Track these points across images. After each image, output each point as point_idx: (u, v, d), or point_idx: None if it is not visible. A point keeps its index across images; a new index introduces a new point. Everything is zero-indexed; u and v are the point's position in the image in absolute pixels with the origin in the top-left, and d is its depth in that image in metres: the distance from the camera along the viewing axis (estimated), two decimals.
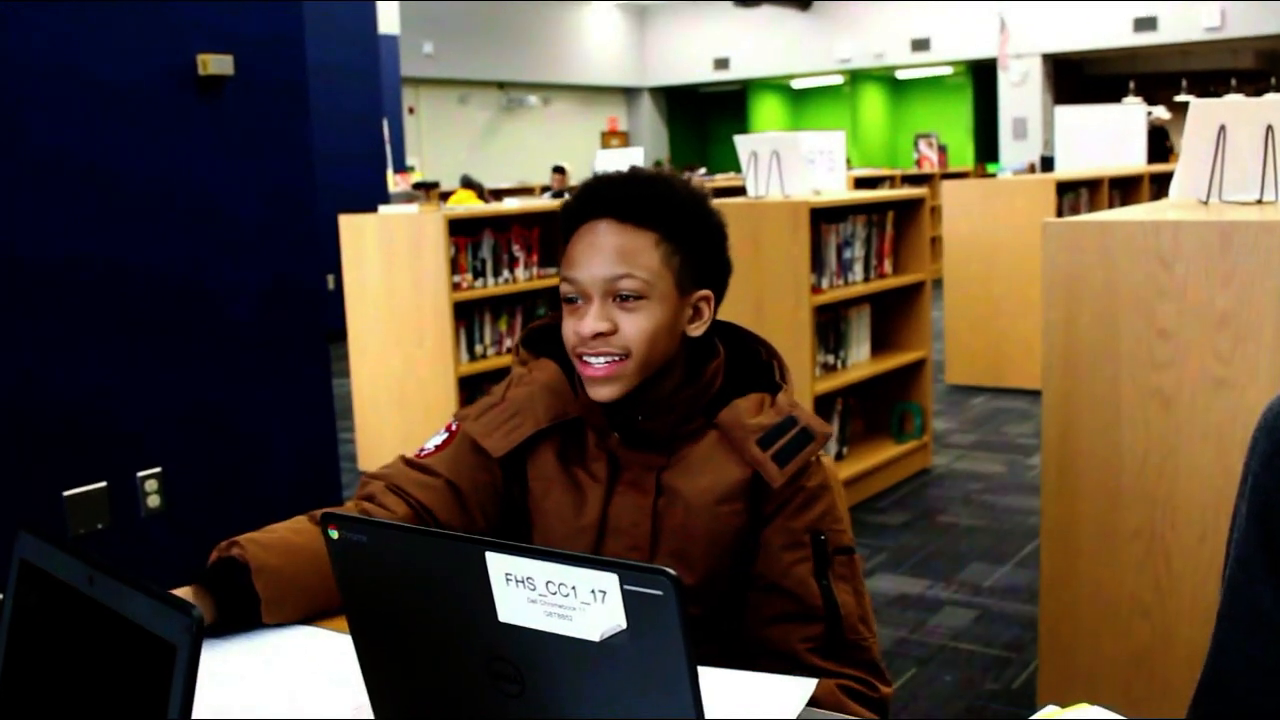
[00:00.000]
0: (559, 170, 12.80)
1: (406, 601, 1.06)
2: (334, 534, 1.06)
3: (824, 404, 5.05)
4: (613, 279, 1.51)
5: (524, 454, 1.63)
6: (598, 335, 1.50)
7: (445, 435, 1.68)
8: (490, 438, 1.61)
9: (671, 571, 0.87)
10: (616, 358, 1.51)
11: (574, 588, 0.92)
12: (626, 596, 0.89)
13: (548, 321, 1.70)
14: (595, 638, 0.92)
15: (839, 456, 5.20)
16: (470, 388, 5.73)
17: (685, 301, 1.57)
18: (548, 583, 0.93)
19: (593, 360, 1.52)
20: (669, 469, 1.57)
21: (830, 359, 5.13)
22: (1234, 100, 2.81)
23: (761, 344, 1.67)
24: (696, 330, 1.59)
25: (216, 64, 3.51)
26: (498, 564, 0.95)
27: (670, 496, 1.56)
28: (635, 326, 1.51)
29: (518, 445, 1.61)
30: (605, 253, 1.51)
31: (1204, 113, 2.82)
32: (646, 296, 1.52)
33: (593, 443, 1.61)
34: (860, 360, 5.33)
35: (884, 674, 1.59)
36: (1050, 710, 1.13)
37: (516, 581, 0.95)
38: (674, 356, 1.57)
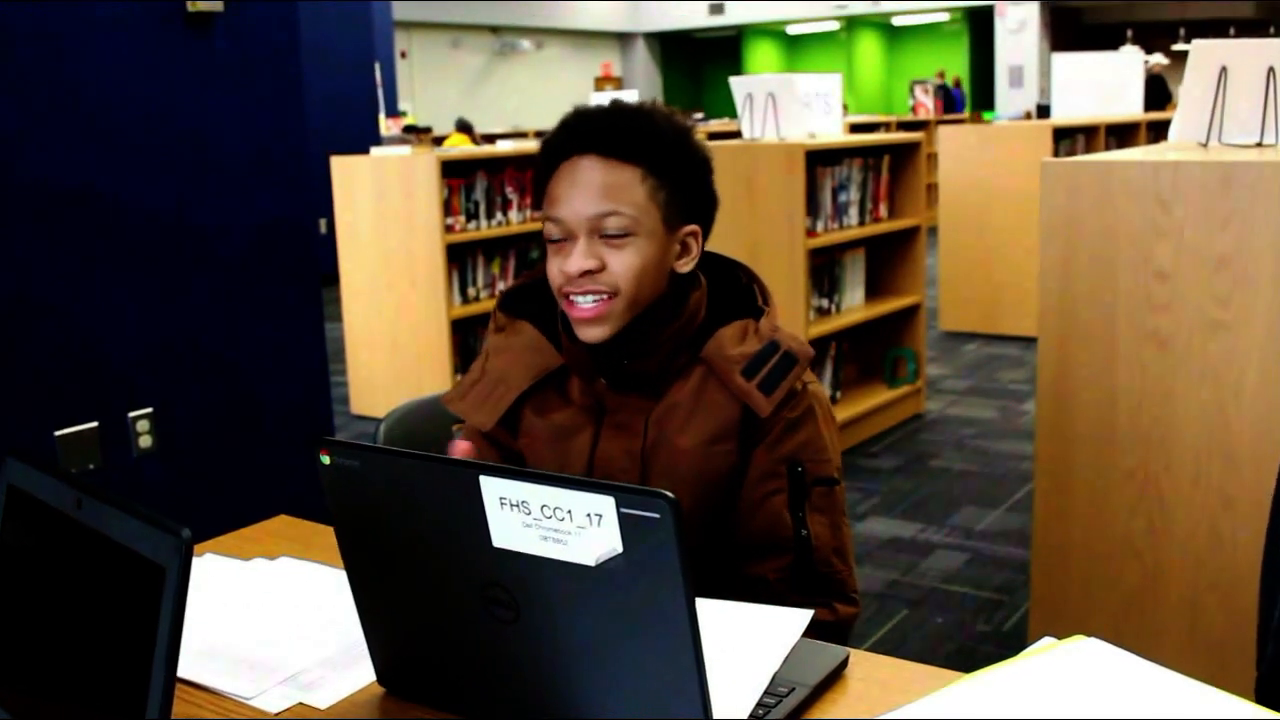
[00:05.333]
0: None
1: (400, 527, 1.05)
2: (326, 459, 1.05)
3: (818, 348, 5.03)
4: (598, 216, 1.46)
5: (515, 419, 1.60)
6: (585, 273, 1.46)
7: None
8: (479, 413, 1.58)
9: (670, 494, 0.86)
10: (605, 296, 1.48)
11: (569, 511, 0.91)
12: (623, 520, 0.88)
13: (524, 281, 1.66)
14: (591, 562, 0.91)
15: (832, 401, 5.18)
16: (463, 330, 5.70)
17: (673, 238, 1.52)
18: (543, 506, 0.92)
19: (580, 300, 1.48)
20: (657, 411, 1.54)
21: (824, 303, 5.11)
22: (1236, 42, 2.77)
23: (740, 268, 1.63)
24: (685, 266, 1.55)
25: (205, 1, 3.45)
26: (492, 488, 0.94)
27: (659, 440, 1.53)
28: (623, 264, 1.47)
29: (507, 412, 1.58)
30: (590, 189, 1.47)
31: (1205, 54, 2.79)
32: (634, 233, 1.47)
33: (578, 389, 1.57)
34: (854, 305, 5.31)
35: (852, 599, 1.57)
36: (1046, 641, 1.13)
37: (511, 505, 0.94)
38: (661, 294, 1.53)
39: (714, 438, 1.52)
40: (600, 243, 1.47)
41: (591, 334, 1.49)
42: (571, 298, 1.49)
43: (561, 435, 1.57)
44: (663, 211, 1.50)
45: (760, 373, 1.50)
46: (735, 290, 1.60)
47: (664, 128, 1.52)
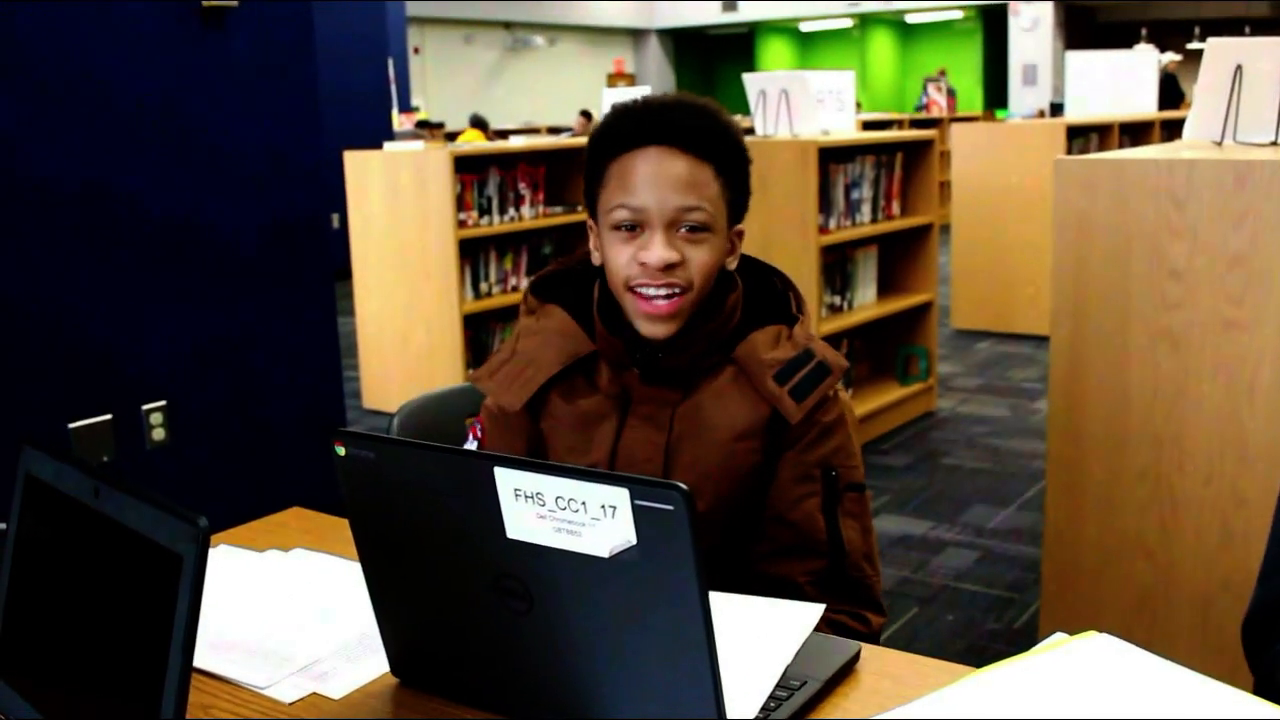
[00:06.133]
0: (586, 114, 12.63)
1: (414, 518, 1.06)
2: (341, 450, 1.05)
3: (829, 345, 5.02)
4: (683, 209, 1.46)
5: (539, 402, 1.59)
6: (669, 266, 1.47)
7: (474, 442, 1.64)
8: (507, 393, 1.57)
9: (683, 486, 0.86)
10: (679, 291, 1.47)
11: (584, 503, 0.91)
12: (637, 512, 0.89)
13: (555, 268, 1.65)
14: (605, 554, 0.92)
15: None
16: (475, 326, 5.71)
17: (728, 236, 1.54)
18: (557, 498, 0.92)
19: (654, 294, 1.47)
20: (684, 405, 1.54)
21: (836, 300, 5.11)
22: (1251, 40, 2.76)
23: (777, 274, 1.63)
24: (732, 264, 1.56)
25: None
26: (506, 479, 0.95)
27: (685, 433, 1.53)
28: (700, 260, 1.47)
29: (535, 394, 1.57)
30: (675, 181, 1.46)
31: (1220, 53, 2.78)
32: (710, 229, 1.48)
33: (605, 378, 1.57)
34: (866, 302, 5.31)
35: (882, 608, 1.58)
36: (1058, 637, 1.13)
37: (525, 497, 0.94)
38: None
39: (740, 435, 1.52)
40: (677, 236, 1.47)
41: (659, 330, 1.49)
42: (642, 290, 1.48)
43: (587, 422, 1.57)
44: (728, 210, 1.52)
45: (793, 379, 1.51)
46: (770, 296, 1.60)
47: (729, 126, 1.54)
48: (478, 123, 11.72)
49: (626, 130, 1.50)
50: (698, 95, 1.59)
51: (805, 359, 1.52)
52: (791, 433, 1.52)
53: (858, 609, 1.54)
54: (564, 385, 1.58)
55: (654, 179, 1.46)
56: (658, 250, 1.46)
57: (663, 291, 1.47)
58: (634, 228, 1.48)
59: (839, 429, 1.55)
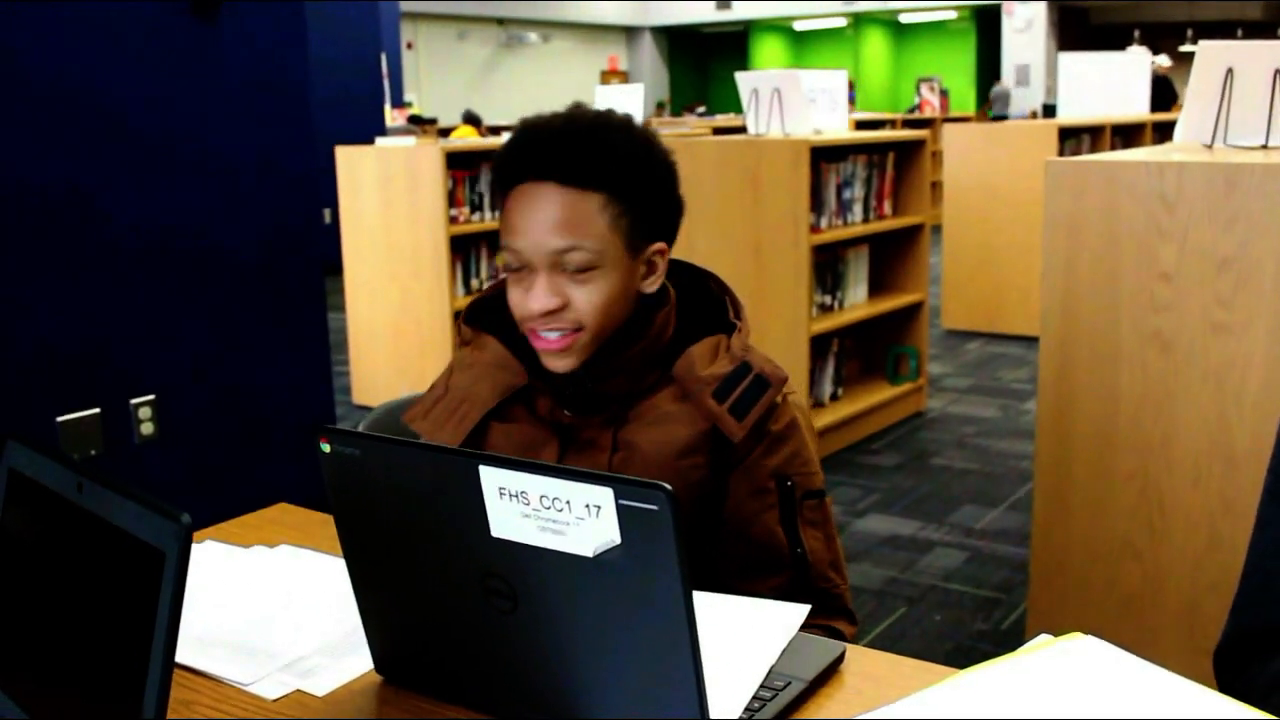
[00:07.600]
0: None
1: (399, 516, 1.06)
2: (326, 447, 1.05)
3: (820, 344, 5.03)
4: (559, 251, 1.38)
5: (478, 433, 1.54)
6: (550, 312, 1.40)
7: None
8: (442, 432, 1.53)
9: (667, 486, 0.86)
10: (570, 330, 1.42)
11: (568, 502, 0.91)
12: (621, 511, 0.89)
13: (489, 292, 1.59)
14: (589, 553, 0.92)
15: (834, 397, 5.20)
16: None
17: (638, 261, 1.45)
18: (541, 497, 0.92)
19: (545, 333, 1.42)
20: (626, 427, 1.48)
21: (827, 299, 5.11)
22: (1242, 44, 2.77)
23: (711, 278, 1.57)
24: (651, 286, 1.48)
25: None
26: (491, 478, 0.95)
27: (628, 453, 1.48)
28: (588, 299, 1.40)
29: (472, 431, 1.52)
30: (550, 222, 1.37)
31: (1211, 55, 2.78)
32: (597, 266, 1.39)
33: (544, 406, 1.52)
34: (857, 301, 5.31)
35: (853, 616, 1.55)
36: (1041, 639, 1.13)
37: (510, 496, 0.94)
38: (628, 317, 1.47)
39: (682, 452, 1.47)
40: (562, 276, 1.40)
41: (558, 365, 1.44)
42: (535, 329, 1.43)
43: (527, 450, 1.52)
44: (626, 238, 1.41)
45: (731, 396, 1.45)
46: (706, 301, 1.55)
47: (624, 145, 1.42)
48: (471, 119, 11.71)
49: (509, 164, 1.43)
50: (599, 111, 1.46)
51: (743, 372, 1.46)
52: (739, 448, 1.48)
53: (829, 621, 1.51)
54: (502, 414, 1.54)
55: (530, 220, 1.39)
56: (538, 298, 1.40)
57: (554, 333, 1.42)
58: (520, 269, 1.42)
59: (791, 436, 1.50)
